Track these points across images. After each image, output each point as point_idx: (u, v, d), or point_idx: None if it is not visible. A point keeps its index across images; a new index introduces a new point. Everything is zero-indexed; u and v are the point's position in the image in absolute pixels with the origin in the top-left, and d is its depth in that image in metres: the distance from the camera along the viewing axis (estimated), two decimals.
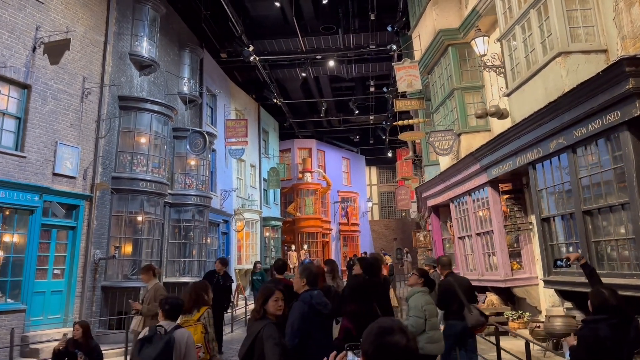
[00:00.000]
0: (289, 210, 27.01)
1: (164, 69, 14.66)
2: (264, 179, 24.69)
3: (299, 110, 27.21)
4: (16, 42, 9.65)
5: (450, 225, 12.82)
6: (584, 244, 6.55)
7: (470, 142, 10.28)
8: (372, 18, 16.43)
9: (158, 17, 14.04)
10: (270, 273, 15.99)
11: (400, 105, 12.79)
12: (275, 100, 22.35)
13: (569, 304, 7.66)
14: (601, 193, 6.30)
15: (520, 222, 9.54)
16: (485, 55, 9.11)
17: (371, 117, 26.06)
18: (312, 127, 29.79)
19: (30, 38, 9.95)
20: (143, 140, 12.73)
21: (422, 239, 17.65)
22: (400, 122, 13.07)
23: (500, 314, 9.31)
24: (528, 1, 7.41)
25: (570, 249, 7.26)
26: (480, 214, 10.26)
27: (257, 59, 18.29)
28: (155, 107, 12.94)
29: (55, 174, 10.30)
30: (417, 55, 12.57)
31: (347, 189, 31.34)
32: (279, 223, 25.35)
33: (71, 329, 6.65)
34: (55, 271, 10.53)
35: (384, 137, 27.78)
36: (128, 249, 12.10)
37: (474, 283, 10.53)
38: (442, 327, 5.75)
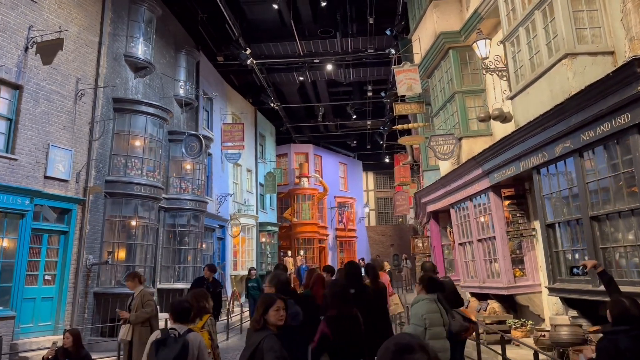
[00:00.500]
0: (286, 215, 26.77)
1: (159, 71, 14.47)
2: (261, 184, 24.46)
3: (296, 115, 27.04)
4: (8, 41, 9.42)
5: (450, 231, 12.63)
6: (592, 251, 6.37)
7: (472, 147, 10.11)
8: (371, 22, 16.30)
9: (154, 18, 13.85)
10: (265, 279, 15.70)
11: (399, 109, 12.62)
12: (272, 105, 22.16)
13: (573, 312, 7.46)
14: (609, 198, 6.13)
15: (522, 228, 9.36)
16: (487, 58, 8.96)
17: (368, 122, 25.91)
18: (309, 131, 29.60)
19: (22, 38, 9.73)
20: (138, 143, 12.50)
21: (420, 245, 17.45)
22: (399, 126, 12.89)
23: (502, 322, 9.11)
24: (532, 2, 7.27)
25: (577, 255, 7.08)
26: (482, 219, 10.07)
27: (254, 62, 18.12)
28: (151, 110, 12.72)
29: (47, 177, 10.05)
30: (417, 58, 12.42)
31: (344, 194, 31.16)
32: (276, 228, 25.11)
33: (62, 336, 6.44)
34: (46, 277, 10.26)
35: (381, 143, 27.63)
36: (121, 254, 11.85)
37: (475, 290, 10.44)
38: None
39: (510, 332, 8.75)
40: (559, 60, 6.56)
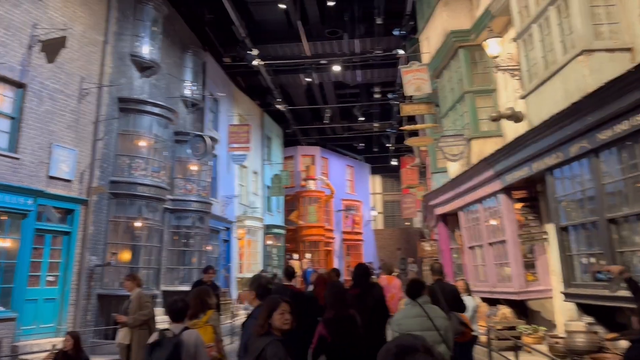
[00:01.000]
0: (292, 218, 26.56)
1: (165, 71, 14.35)
2: (267, 186, 24.31)
3: (303, 117, 26.87)
4: (12, 39, 9.33)
5: (459, 235, 12.39)
6: (609, 255, 6.14)
7: (482, 148, 9.88)
8: (379, 22, 16.12)
9: (160, 18, 13.74)
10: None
11: (407, 109, 12.42)
12: (278, 106, 22.01)
13: (588, 319, 7.21)
14: (627, 200, 5.89)
15: (534, 232, 9.10)
16: (498, 56, 8.75)
17: (376, 125, 25.66)
18: (315, 134, 29.43)
19: (26, 36, 9.63)
20: (143, 143, 12.36)
21: (428, 248, 17.17)
22: (408, 127, 12.69)
23: (512, 328, 8.85)
24: None
25: (592, 259, 6.83)
26: (493, 222, 9.83)
27: (261, 63, 17.97)
28: (156, 110, 12.60)
29: (50, 177, 9.93)
30: (425, 58, 12.22)
31: (350, 197, 30.92)
32: (282, 231, 24.92)
33: (64, 338, 6.32)
34: (49, 278, 10.13)
35: (388, 145, 27.39)
36: (125, 255, 11.70)
37: (485, 295, 10.18)
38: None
39: (522, 338, 8.49)
40: (575, 57, 6.32)
